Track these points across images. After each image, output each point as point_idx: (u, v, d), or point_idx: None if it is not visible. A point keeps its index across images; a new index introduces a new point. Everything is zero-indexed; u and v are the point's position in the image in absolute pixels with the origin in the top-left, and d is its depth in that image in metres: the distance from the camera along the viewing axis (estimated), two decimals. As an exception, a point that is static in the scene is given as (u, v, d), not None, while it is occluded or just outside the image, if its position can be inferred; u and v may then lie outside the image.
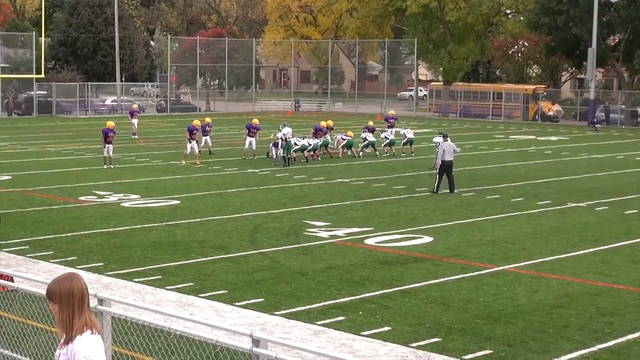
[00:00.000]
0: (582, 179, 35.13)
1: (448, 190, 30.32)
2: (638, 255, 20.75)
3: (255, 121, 41.91)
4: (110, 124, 38.02)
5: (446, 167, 30.25)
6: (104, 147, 36.91)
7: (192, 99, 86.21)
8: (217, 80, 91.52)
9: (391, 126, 46.92)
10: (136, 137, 51.51)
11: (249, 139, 40.82)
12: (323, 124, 43.41)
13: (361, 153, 42.45)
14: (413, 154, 43.10)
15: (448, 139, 31.72)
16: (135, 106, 58.56)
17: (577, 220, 25.52)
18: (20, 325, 12.99)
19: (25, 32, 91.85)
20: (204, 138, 42.27)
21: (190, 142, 38.31)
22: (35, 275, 17.45)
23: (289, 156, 38.53)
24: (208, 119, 43.92)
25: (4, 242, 20.79)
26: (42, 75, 69.34)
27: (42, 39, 70.90)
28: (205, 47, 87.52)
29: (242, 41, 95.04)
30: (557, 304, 16.21)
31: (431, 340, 13.95)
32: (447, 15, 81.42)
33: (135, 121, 53.28)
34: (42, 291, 9.74)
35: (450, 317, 15.29)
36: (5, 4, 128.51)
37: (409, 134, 43.65)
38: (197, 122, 40.00)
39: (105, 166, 36.43)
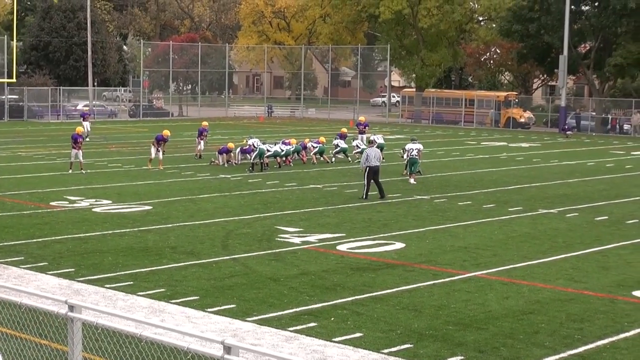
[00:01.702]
0: (553, 186, 35.34)
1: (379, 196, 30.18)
2: (608, 261, 20.90)
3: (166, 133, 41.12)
4: (80, 129, 38.10)
5: (373, 173, 30.00)
6: (72, 152, 36.72)
7: (165, 104, 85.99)
8: (190, 86, 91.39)
9: (362, 133, 46.68)
10: (88, 140, 50.99)
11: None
12: (345, 130, 44.84)
13: (333, 159, 42.50)
14: (384, 160, 43.05)
15: (374, 145, 31.87)
16: (86, 109, 60.74)
17: (548, 226, 25.66)
18: (-11, 331, 12.88)
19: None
20: (199, 141, 43.62)
21: (154, 147, 38.13)
22: (5, 281, 17.33)
23: (262, 162, 38.54)
24: (205, 123, 44.69)
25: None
26: (14, 80, 68.86)
27: (14, 42, 70.42)
28: (178, 52, 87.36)
29: (215, 46, 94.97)
30: (527, 310, 16.29)
31: (403, 347, 13.97)
32: (419, 22, 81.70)
33: (86, 124, 53.42)
34: (12, 297, 9.69)
35: (422, 323, 15.32)
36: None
37: (379, 139, 43.29)
38: (166, 132, 39.66)
39: (70, 171, 36.23)
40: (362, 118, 50.23)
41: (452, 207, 29.03)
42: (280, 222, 25.35)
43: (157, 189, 32.20)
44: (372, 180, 30.09)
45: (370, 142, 32.12)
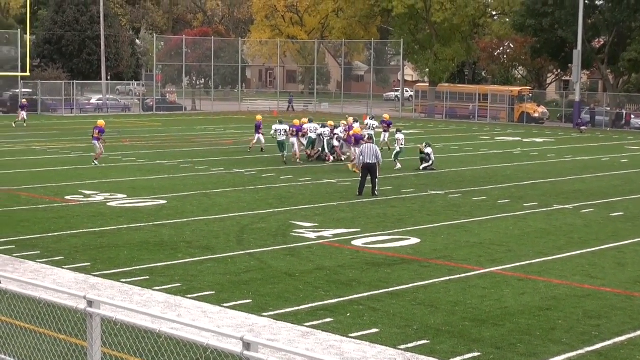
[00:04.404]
0: (568, 181, 35.22)
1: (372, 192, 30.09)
2: (625, 257, 20.81)
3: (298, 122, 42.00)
4: (101, 122, 38.27)
5: (367, 169, 29.93)
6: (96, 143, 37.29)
7: (178, 98, 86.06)
8: (203, 80, 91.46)
9: (386, 131, 46.22)
10: (25, 125, 57.96)
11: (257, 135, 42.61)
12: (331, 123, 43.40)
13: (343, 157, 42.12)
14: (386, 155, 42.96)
15: (373, 140, 31.93)
16: (24, 101, 64.63)
17: (563, 222, 25.57)
18: (6, 325, 12.91)
19: (10, 29, 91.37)
20: (256, 135, 43.25)
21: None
22: (22, 275, 17.38)
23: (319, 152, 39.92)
24: (259, 117, 44.57)
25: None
26: (28, 74, 69.03)
27: (28, 36, 70.54)
28: (191, 46, 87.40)
29: (228, 40, 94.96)
30: (544, 306, 16.23)
31: (419, 343, 13.95)
32: (433, 16, 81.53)
33: (24, 114, 59.76)
34: (29, 292, 9.71)
35: (438, 319, 15.29)
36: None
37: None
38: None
39: (100, 163, 36.87)
40: (386, 115, 48.63)
41: (467, 202, 28.97)
42: (295, 217, 25.34)
43: (171, 183, 32.22)
44: (366, 176, 29.89)
45: (369, 138, 32.02)
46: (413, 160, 39.11)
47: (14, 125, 58.27)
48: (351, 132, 38.25)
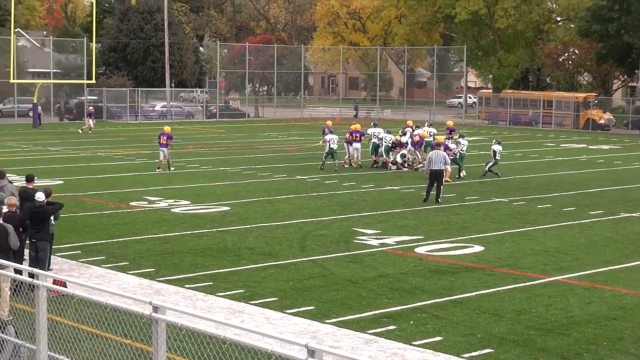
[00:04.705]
0: (635, 189, 34.64)
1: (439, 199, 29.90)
2: (694, 267, 20.40)
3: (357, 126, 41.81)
4: (167, 128, 38.60)
5: (434, 176, 29.83)
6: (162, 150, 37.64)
7: (241, 105, 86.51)
8: (265, 87, 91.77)
9: (449, 138, 45.68)
10: (90, 132, 59.35)
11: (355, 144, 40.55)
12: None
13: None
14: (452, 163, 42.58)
15: (441, 147, 31.61)
16: (91, 108, 66.40)
17: (630, 230, 25.15)
18: (73, 329, 13.05)
19: (76, 38, 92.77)
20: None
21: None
22: (87, 280, 17.58)
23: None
24: (330, 122, 43.63)
25: (56, 246, 20.94)
26: (93, 81, 70.00)
27: (93, 44, 71.50)
28: (254, 54, 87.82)
29: (290, 47, 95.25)
30: (611, 315, 15.97)
31: (483, 351, 13.81)
32: (496, 22, 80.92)
33: (91, 121, 61.36)
34: (95, 297, 9.79)
35: (503, 327, 15.13)
36: (57, 11, 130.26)
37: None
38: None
39: (169, 169, 37.28)
40: (449, 122, 48.23)
41: (532, 210, 28.65)
42: (358, 223, 25.28)
43: (234, 189, 32.37)
44: (434, 183, 29.81)
45: (437, 145, 31.81)
46: (477, 167, 38.77)
47: (80, 132, 59.14)
48: (416, 134, 38.56)
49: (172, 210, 27.32)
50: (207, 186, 33.31)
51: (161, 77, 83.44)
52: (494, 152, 37.34)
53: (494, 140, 38.85)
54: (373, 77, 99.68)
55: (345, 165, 40.20)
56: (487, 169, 37.24)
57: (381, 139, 40.68)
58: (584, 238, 23.83)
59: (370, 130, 41.40)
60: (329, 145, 38.77)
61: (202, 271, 18.94)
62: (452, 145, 37.20)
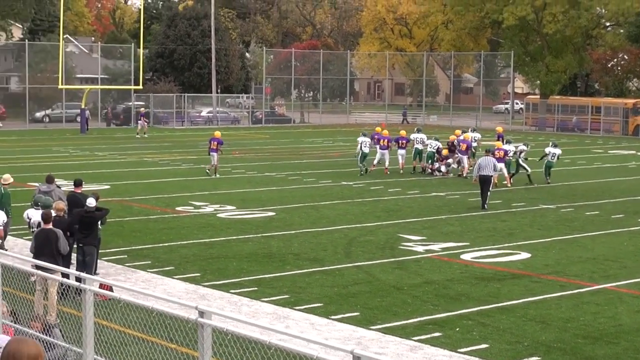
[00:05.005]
0: (685, 196, 34.17)
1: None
2: None
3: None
4: (218, 133, 38.81)
5: (482, 182, 29.72)
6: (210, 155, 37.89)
7: (287, 111, 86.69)
8: (311, 92, 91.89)
9: (507, 142, 44.98)
10: (146, 136, 60.26)
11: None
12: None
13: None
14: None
15: (490, 153, 31.41)
16: (143, 109, 67.87)
17: (680, 238, 24.81)
18: (119, 333, 13.13)
19: (124, 44, 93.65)
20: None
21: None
22: (134, 284, 17.67)
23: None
24: (403, 132, 43.03)
25: (103, 251, 21.09)
26: (140, 87, 70.51)
27: (141, 50, 72.08)
28: (300, 59, 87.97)
29: (336, 53, 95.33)
30: (661, 324, 15.75)
31: (530, 359, 13.67)
32: (544, 27, 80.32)
33: (145, 123, 62.78)
34: (141, 301, 9.83)
35: (550, 335, 14.98)
36: (105, 17, 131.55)
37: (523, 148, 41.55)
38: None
39: (215, 175, 37.41)
40: (499, 128, 47.45)
41: (579, 216, 28.36)
42: (403, 230, 25.19)
43: (279, 195, 32.41)
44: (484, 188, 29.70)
45: (487, 151, 31.62)
46: (523, 173, 38.42)
47: (138, 136, 59.76)
48: (462, 142, 38.54)
49: (217, 215, 27.42)
50: (252, 191, 33.40)
51: (207, 82, 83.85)
52: (552, 154, 36.89)
53: (550, 143, 38.36)
54: (419, 82, 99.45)
55: (387, 172, 39.75)
56: (547, 178, 36.88)
57: (426, 144, 40.53)
58: (632, 246, 23.53)
59: (413, 136, 41.28)
60: (361, 148, 38.87)
61: (247, 276, 18.97)
62: (510, 148, 37.00)
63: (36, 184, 24.60)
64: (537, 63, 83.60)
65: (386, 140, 39.63)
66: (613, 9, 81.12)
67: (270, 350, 7.92)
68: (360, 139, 39.64)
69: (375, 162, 39.40)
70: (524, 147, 37.94)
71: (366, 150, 39.02)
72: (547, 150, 37.21)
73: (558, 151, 37.23)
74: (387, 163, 39.52)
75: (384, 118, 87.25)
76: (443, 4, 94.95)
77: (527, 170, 36.93)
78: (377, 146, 39.63)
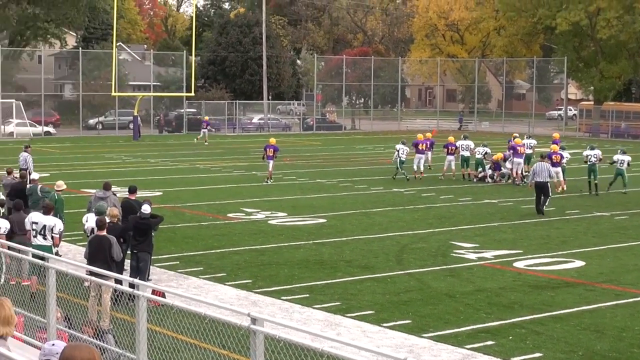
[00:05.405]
0: None
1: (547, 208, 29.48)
2: None
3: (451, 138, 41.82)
4: (273, 140, 38.96)
5: (539, 188, 29.50)
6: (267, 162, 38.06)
7: (338, 118, 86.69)
8: (362, 99, 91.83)
9: (563, 148, 44.47)
10: (206, 144, 60.20)
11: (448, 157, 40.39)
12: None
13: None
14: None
15: (546, 159, 31.14)
16: (207, 117, 67.84)
17: None
18: (172, 339, 13.18)
19: (176, 51, 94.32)
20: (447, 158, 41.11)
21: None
22: (185, 291, 17.75)
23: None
24: (451, 138, 42.71)
25: (155, 257, 21.23)
26: (192, 94, 70.98)
27: (193, 58, 72.53)
28: (351, 66, 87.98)
29: (387, 60, 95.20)
30: None
31: (585, 369, 13.50)
32: (598, 33, 79.48)
33: (205, 131, 63.00)
34: (193, 307, 9.86)
35: (605, 345, 14.78)
36: (158, 24, 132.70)
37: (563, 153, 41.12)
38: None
39: (269, 181, 37.57)
40: (556, 135, 46.77)
41: (635, 224, 27.97)
42: (455, 237, 25.03)
43: (331, 202, 32.39)
44: (540, 194, 29.46)
45: (542, 157, 31.39)
46: (577, 180, 38.01)
47: (204, 143, 60.48)
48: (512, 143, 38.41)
49: (269, 222, 27.47)
50: (303, 198, 33.42)
51: (259, 89, 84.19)
52: (620, 161, 36.37)
53: (619, 150, 37.77)
54: (471, 89, 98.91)
55: (441, 177, 39.79)
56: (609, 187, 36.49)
57: (474, 151, 40.23)
58: (689, 254, 23.15)
59: (459, 143, 41.00)
60: (399, 155, 38.92)
61: (298, 283, 18.96)
62: (565, 154, 36.64)
63: (92, 191, 24.83)
64: (590, 69, 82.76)
65: (424, 145, 39.76)
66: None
67: (323, 358, 7.89)
68: (399, 146, 39.80)
69: (414, 167, 39.50)
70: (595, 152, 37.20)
71: (403, 157, 39.10)
72: (615, 157, 36.74)
73: (627, 158, 36.58)
74: (421, 167, 39.55)
75: (436, 124, 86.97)
76: (495, 9, 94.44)
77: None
78: (414, 150, 39.91)
